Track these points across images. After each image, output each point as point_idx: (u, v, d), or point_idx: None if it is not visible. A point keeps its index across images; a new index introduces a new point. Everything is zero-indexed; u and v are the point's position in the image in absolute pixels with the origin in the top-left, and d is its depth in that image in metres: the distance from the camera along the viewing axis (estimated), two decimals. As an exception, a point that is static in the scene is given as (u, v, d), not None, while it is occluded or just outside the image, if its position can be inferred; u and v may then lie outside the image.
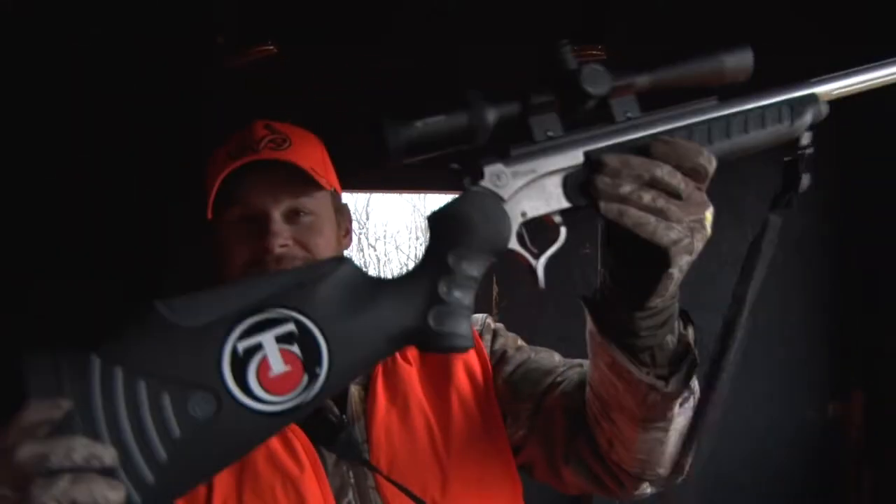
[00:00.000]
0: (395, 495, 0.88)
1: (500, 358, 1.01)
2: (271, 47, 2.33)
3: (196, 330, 0.60)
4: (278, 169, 0.94)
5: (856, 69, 0.75)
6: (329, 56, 2.39)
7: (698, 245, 0.67)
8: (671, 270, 0.66)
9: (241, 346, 0.60)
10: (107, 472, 0.57)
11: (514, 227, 0.68)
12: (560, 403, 0.91)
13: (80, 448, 0.56)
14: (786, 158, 0.73)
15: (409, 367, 0.98)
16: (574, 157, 0.68)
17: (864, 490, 2.44)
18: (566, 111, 0.69)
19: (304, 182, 0.94)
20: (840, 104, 0.76)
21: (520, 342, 1.04)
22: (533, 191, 0.68)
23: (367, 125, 0.65)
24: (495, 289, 2.34)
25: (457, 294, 0.65)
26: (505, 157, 0.68)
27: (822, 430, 2.51)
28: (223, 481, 0.87)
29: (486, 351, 1.01)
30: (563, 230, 0.69)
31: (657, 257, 0.67)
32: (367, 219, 7.72)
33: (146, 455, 0.58)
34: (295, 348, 0.61)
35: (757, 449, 2.49)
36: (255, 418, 0.60)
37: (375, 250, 7.81)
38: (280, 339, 0.61)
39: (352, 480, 0.90)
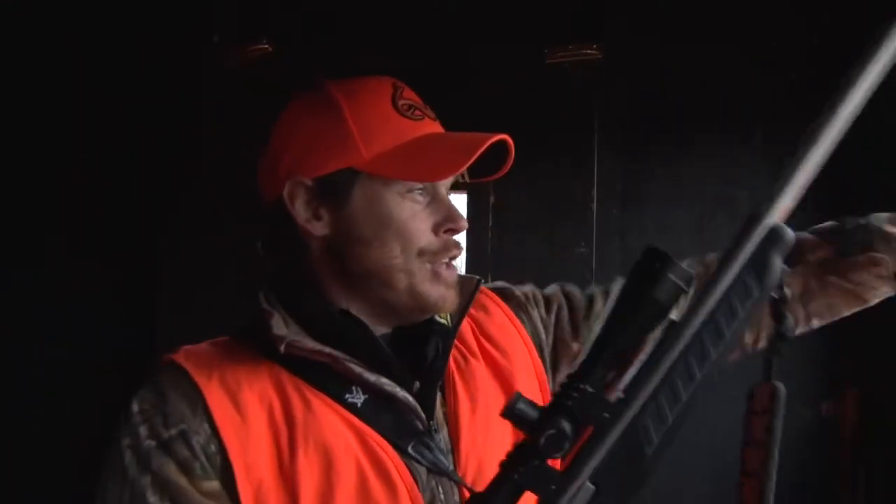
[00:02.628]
0: None
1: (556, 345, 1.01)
2: (267, 46, 2.33)
3: None
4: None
5: (792, 166, 0.60)
6: (329, 56, 2.41)
7: None
8: None
9: None
10: None
11: None
12: None
13: None
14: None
15: (478, 362, 0.93)
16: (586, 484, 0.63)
17: (858, 489, 2.45)
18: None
19: None
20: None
21: None
22: None
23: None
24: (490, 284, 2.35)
25: None
26: None
27: (816, 429, 2.52)
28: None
29: (540, 327, 1.01)
30: None
31: None
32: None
33: None
34: None
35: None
36: None
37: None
38: None
39: (441, 495, 0.85)
